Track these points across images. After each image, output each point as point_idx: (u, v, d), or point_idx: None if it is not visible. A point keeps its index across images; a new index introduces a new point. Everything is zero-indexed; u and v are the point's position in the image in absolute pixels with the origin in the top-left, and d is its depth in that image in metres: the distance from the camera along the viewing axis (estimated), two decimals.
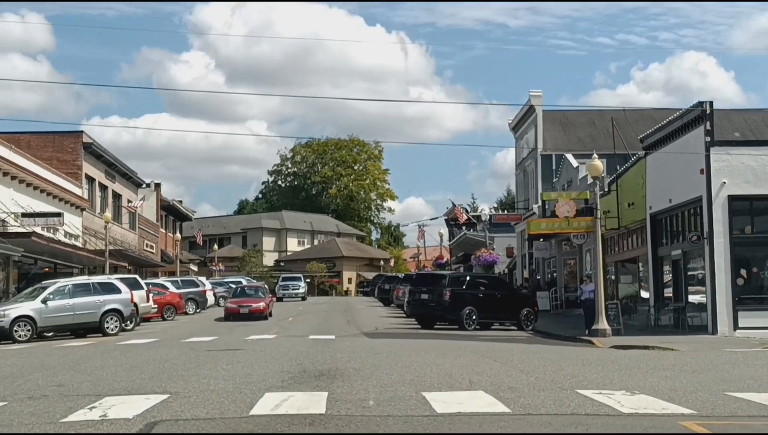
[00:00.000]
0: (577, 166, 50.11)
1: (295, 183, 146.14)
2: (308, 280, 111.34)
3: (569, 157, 52.44)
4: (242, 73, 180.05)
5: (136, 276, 43.29)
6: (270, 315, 45.00)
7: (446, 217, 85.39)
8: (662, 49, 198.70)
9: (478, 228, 76.82)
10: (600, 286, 31.77)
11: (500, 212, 72.49)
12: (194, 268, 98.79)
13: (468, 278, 38.97)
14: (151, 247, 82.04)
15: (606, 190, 41.50)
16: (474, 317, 36.74)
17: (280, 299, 69.55)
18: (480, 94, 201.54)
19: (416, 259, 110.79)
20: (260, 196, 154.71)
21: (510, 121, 67.16)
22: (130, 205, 67.65)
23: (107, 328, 34.22)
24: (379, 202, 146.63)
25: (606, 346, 28.16)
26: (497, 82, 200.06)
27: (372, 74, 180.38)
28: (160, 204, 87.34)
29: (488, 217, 58.41)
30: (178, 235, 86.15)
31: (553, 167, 57.65)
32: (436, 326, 37.55)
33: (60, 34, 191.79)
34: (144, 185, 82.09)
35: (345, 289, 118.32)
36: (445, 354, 19.90)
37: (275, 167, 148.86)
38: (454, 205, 66.95)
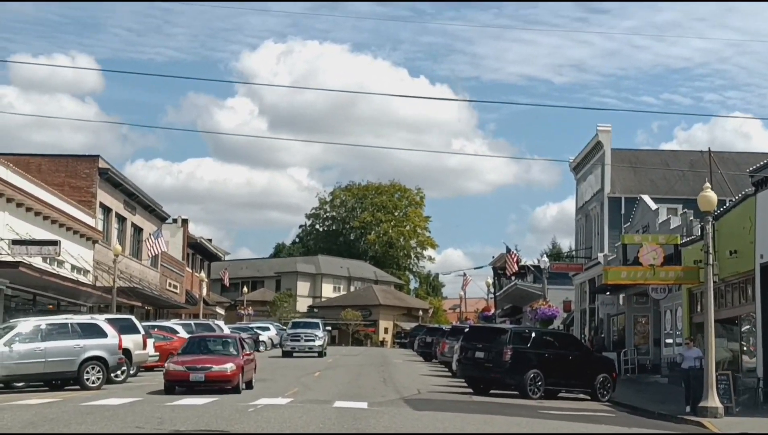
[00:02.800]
0: (656, 209, 43.25)
1: (333, 227, 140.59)
2: (335, 329, 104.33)
3: (646, 198, 45.55)
4: (285, 120, 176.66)
5: (132, 317, 36.60)
6: (247, 386, 28.25)
7: (493, 265, 78.48)
8: (707, 109, 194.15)
9: (528, 278, 70.01)
10: (711, 352, 24.76)
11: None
12: (221, 311, 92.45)
13: (533, 335, 31.91)
14: (175, 286, 75.86)
15: (699, 235, 34.60)
16: (540, 383, 29.80)
17: (288, 354, 53.60)
18: (522, 149, 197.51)
19: (457, 310, 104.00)
20: (297, 239, 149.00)
21: (571, 161, 60.44)
22: (148, 241, 61.23)
23: (87, 380, 27.69)
24: (419, 249, 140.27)
25: (726, 432, 21.35)
26: (540, 137, 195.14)
27: (414, 125, 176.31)
28: (186, 241, 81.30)
29: (547, 265, 51.42)
30: (202, 274, 79.72)
31: (622, 211, 50.86)
32: (491, 392, 30.63)
33: (109, 76, 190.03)
34: (170, 220, 76.10)
35: (381, 339, 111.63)
36: None
37: (313, 211, 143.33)
38: (508, 250, 59.82)
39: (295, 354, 53.34)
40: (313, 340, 54.08)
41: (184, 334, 43.12)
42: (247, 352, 30.15)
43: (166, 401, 22.04)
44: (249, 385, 28.60)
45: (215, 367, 26.74)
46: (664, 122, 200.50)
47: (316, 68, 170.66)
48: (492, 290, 78.19)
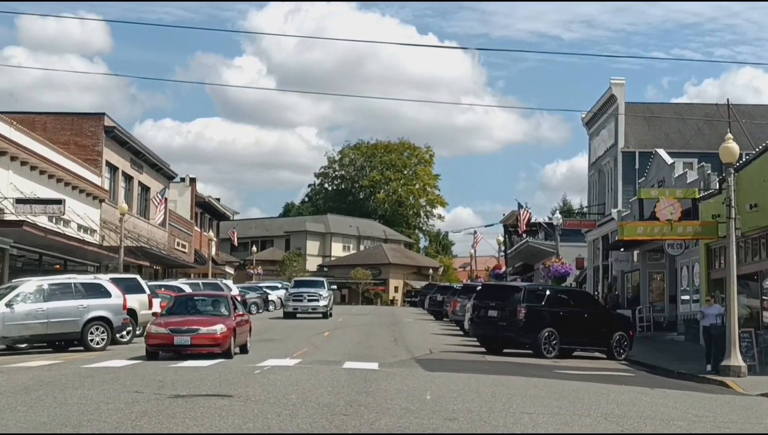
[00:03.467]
0: (672, 163, 42.24)
1: (342, 186, 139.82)
2: (345, 288, 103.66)
3: (661, 152, 44.50)
4: (293, 80, 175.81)
5: (137, 276, 35.83)
6: (241, 350, 25.73)
7: (504, 223, 77.61)
8: (717, 64, 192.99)
9: (539, 236, 69.18)
10: (734, 309, 23.91)
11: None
12: (230, 270, 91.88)
13: (548, 292, 31.06)
14: (184, 246, 75.14)
15: (717, 188, 33.69)
16: (554, 342, 29.03)
17: (291, 315, 49.82)
18: (532, 106, 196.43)
19: (468, 269, 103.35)
20: (306, 199, 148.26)
21: (583, 116, 59.26)
22: (155, 199, 60.39)
23: (91, 341, 27.07)
24: (428, 208, 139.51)
25: (752, 392, 20.61)
26: (549, 94, 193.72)
27: (423, 83, 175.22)
28: (195, 200, 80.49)
29: (560, 222, 50.46)
30: (211, 233, 79.00)
31: (636, 166, 49.75)
32: (504, 351, 29.87)
33: (117, 37, 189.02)
34: (177, 179, 75.23)
35: (391, 298, 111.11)
36: None
37: (322, 170, 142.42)
38: (520, 206, 58.74)
39: (298, 315, 49.84)
40: (317, 300, 50.12)
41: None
42: (240, 313, 27.00)
43: (170, 363, 21.34)
44: (243, 349, 25.97)
45: (203, 329, 23.55)
46: (675, 78, 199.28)
47: (324, 26, 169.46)
48: (503, 248, 77.40)
